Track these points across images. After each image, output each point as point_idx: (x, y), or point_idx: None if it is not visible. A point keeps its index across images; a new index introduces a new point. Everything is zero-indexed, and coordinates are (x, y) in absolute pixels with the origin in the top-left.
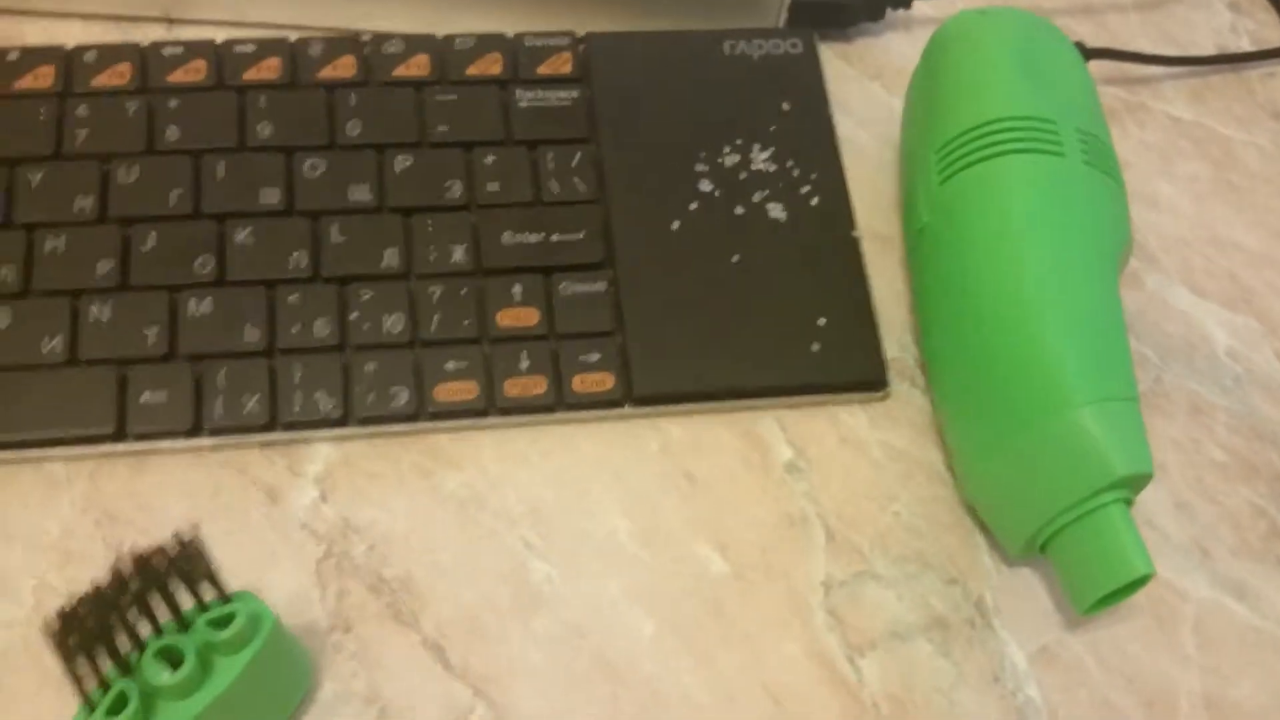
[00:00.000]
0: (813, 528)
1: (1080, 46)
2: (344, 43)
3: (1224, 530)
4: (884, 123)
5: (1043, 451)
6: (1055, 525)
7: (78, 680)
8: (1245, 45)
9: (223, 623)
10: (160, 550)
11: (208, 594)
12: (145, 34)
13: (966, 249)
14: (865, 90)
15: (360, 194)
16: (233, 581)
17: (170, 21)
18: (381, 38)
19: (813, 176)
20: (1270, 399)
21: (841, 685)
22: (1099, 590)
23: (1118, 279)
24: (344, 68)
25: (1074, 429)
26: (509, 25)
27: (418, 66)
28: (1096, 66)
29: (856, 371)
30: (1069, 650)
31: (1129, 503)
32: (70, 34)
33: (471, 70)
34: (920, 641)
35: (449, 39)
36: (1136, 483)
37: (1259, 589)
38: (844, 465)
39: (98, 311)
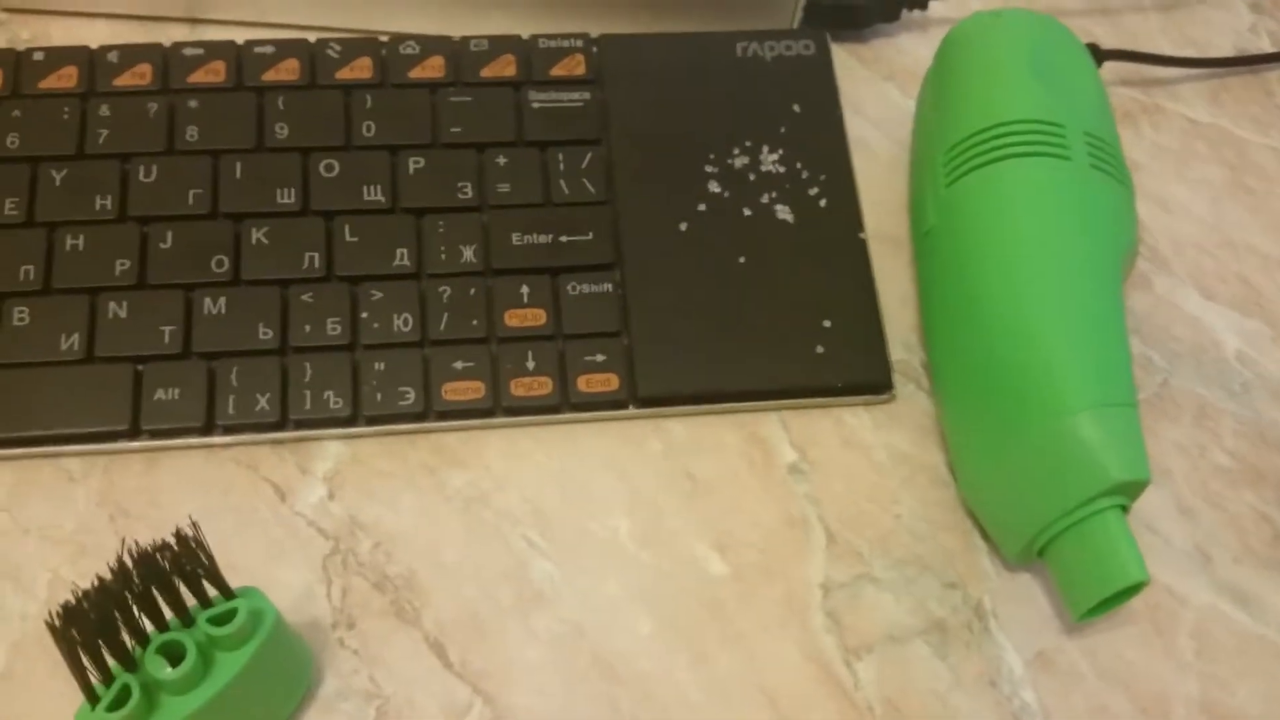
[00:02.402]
0: (813, 530)
1: (1094, 48)
2: (362, 44)
3: (1227, 536)
4: (897, 124)
5: (1040, 456)
6: (1052, 531)
7: (81, 673)
8: (1266, 46)
9: (224, 619)
10: (163, 545)
11: (211, 589)
12: (168, 34)
13: (970, 252)
14: (879, 91)
15: (374, 194)
16: (241, 577)
17: (193, 21)
18: (398, 39)
19: (821, 178)
20: (1279, 404)
21: (837, 687)
22: (1094, 596)
23: (1121, 283)
24: (361, 69)
25: (1070, 434)
26: (524, 27)
27: (433, 68)
28: (1112, 68)
29: (861, 374)
30: (1066, 655)
31: (1125, 509)
32: (95, 33)
33: (486, 72)
34: (917, 644)
35: (464, 41)
36: (1133, 489)
37: (1260, 596)
38: (847, 468)
39: (115, 309)
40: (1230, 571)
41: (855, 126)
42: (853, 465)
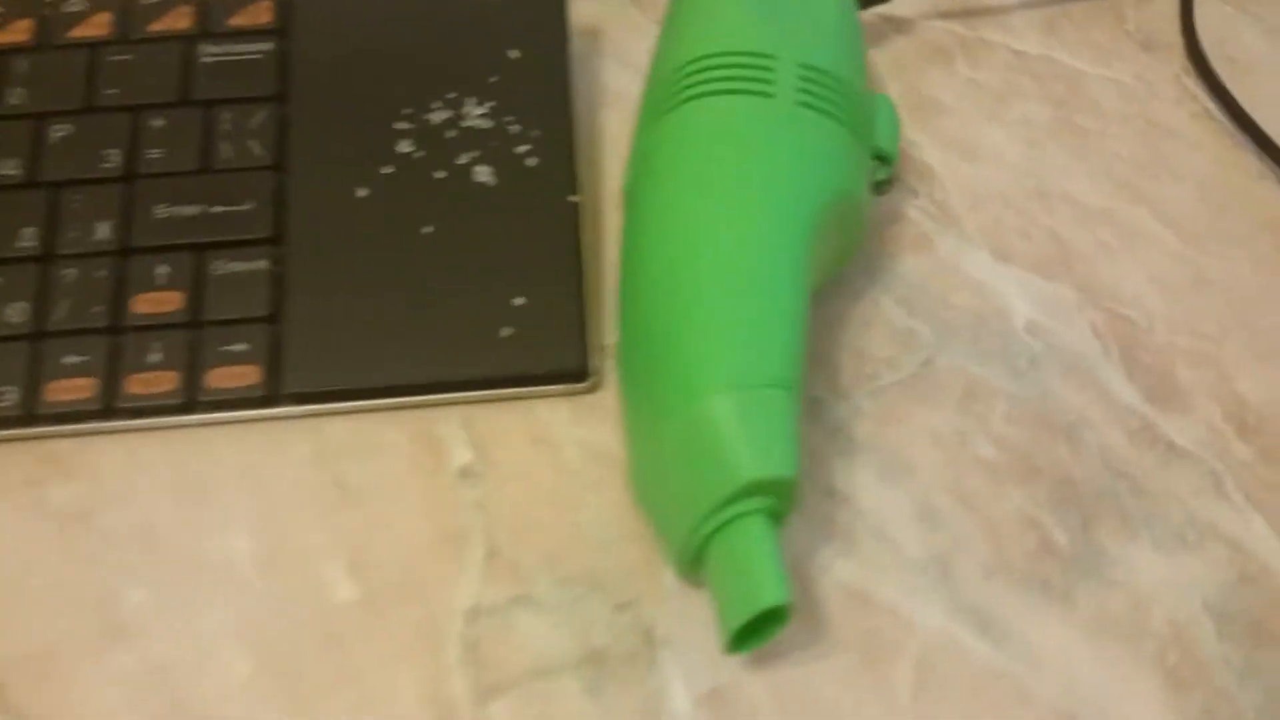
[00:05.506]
0: (472, 544)
1: None
2: (22, 4)
3: (978, 545)
4: None
5: (679, 447)
6: (695, 540)
7: None
8: None
9: None
10: None
11: None
12: None
13: (639, 209)
14: (653, 41)
15: (9, 168)
16: None
17: None
18: None
19: (534, 134)
20: (1074, 382)
21: None
22: (731, 623)
23: (818, 240)
24: (19, 32)
25: (702, 421)
26: None
27: (97, 26)
28: None
29: (553, 360)
30: (746, 693)
31: (776, 515)
32: None
33: (155, 26)
34: (566, 680)
35: None
36: (782, 489)
37: (1007, 620)
38: (529, 469)
39: None
40: (976, 589)
41: (618, 79)
42: (536, 466)
